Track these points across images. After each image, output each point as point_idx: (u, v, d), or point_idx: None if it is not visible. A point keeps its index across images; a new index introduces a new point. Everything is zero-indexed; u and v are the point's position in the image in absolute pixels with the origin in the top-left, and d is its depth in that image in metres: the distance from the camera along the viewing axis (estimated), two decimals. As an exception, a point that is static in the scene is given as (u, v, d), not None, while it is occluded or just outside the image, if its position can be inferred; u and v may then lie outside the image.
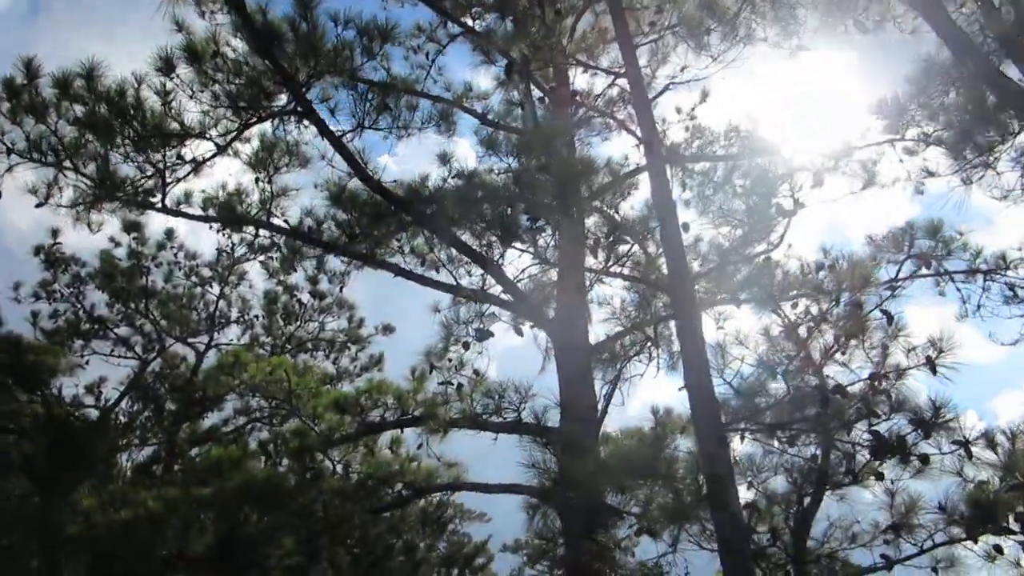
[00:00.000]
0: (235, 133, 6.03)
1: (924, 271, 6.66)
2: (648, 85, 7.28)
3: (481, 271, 6.82)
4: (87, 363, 12.49)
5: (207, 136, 5.94)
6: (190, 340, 13.27)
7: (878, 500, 5.26)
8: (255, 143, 6.49)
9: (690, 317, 4.94)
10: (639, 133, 6.64)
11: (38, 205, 6.21)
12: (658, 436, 6.41)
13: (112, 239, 12.43)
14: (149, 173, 6.00)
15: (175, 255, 12.92)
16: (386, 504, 8.07)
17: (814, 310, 6.08)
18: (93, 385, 12.46)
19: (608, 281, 7.28)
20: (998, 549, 4.76)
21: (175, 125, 5.80)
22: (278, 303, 13.52)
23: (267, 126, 6.32)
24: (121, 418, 12.57)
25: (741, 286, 6.60)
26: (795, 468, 5.66)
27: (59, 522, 8.97)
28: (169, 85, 5.64)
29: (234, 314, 13.59)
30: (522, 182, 5.87)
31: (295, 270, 12.01)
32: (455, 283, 6.95)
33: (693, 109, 8.30)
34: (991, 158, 4.93)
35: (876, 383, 5.29)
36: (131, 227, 12.09)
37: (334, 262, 11.72)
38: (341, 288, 12.93)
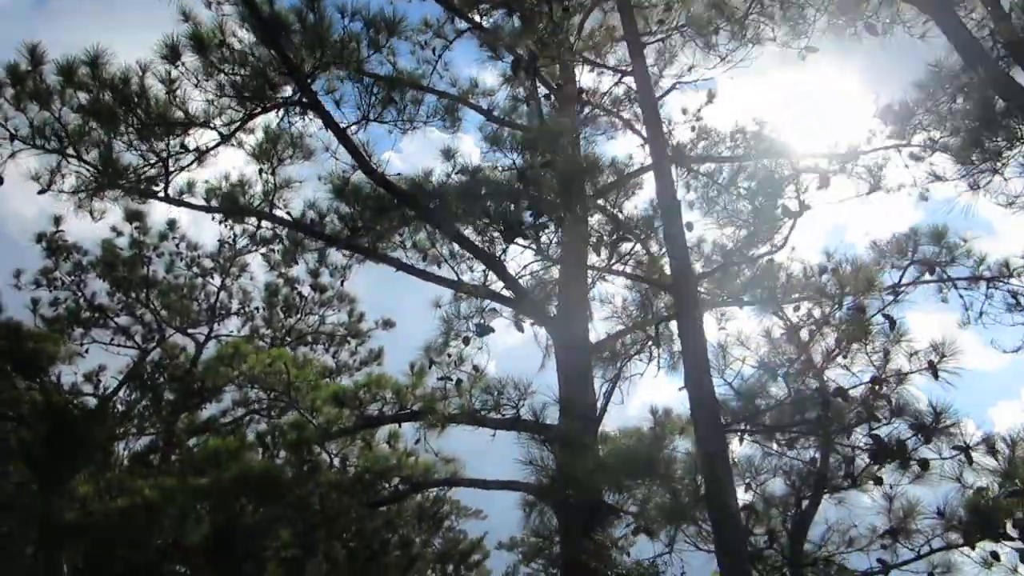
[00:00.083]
0: (239, 123, 6.01)
1: (928, 277, 6.64)
2: (655, 84, 7.25)
3: (483, 267, 6.80)
4: (87, 351, 12.51)
5: (211, 125, 5.93)
6: (190, 331, 13.27)
7: (876, 504, 5.25)
8: (259, 134, 6.49)
9: (692, 317, 4.92)
10: (644, 133, 6.63)
11: (41, 192, 6.20)
12: (656, 436, 6.40)
13: (114, 228, 12.44)
14: (152, 161, 5.98)
15: (177, 245, 12.92)
16: (383, 498, 8.07)
17: (816, 313, 6.06)
18: (92, 374, 12.48)
19: (610, 279, 7.27)
20: (995, 556, 4.75)
21: (179, 114, 5.78)
22: (279, 295, 13.51)
23: (271, 117, 6.32)
24: (119, 407, 12.57)
25: (744, 287, 6.59)
26: (794, 471, 5.66)
27: (56, 509, 8.97)
28: (174, 73, 5.63)
29: (235, 306, 13.60)
30: (526, 179, 5.85)
31: (296, 263, 11.99)
32: (457, 279, 6.94)
33: (699, 110, 8.29)
34: (999, 163, 4.92)
35: (877, 387, 5.28)
36: (133, 216, 12.10)
37: (336, 255, 11.70)
38: (342, 282, 12.94)
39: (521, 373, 6.31)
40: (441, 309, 7.51)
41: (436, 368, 7.26)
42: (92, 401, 12.28)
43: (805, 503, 5.56)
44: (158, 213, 12.73)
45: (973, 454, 4.74)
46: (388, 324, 13.71)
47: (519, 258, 6.75)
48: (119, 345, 12.99)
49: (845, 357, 5.57)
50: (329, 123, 5.97)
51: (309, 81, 5.77)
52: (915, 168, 6.99)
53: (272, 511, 7.73)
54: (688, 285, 5.07)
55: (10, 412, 10.85)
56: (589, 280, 7.28)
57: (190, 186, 6.67)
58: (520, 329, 7.09)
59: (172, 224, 12.70)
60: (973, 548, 4.67)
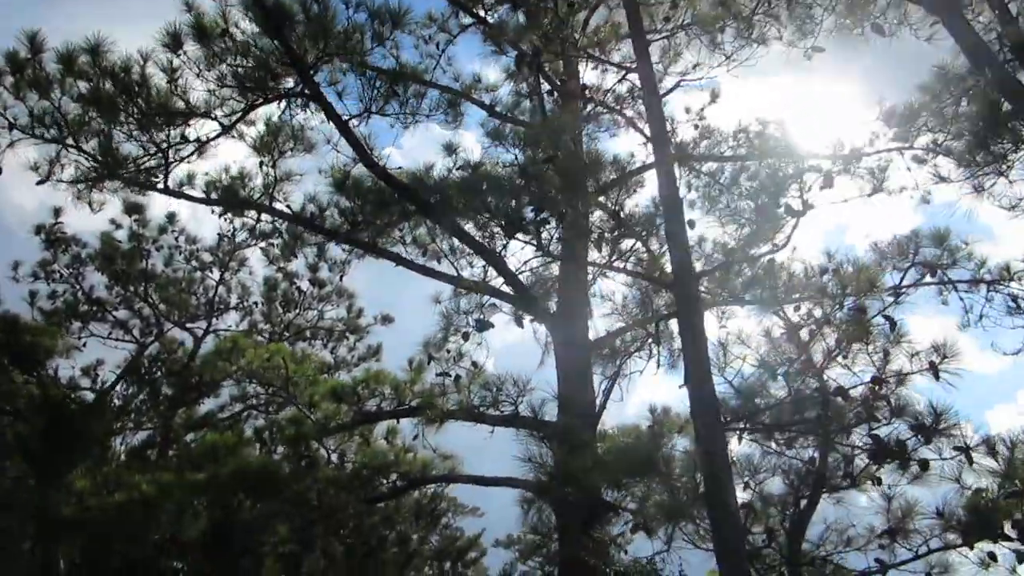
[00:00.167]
0: (240, 114, 5.99)
1: (928, 279, 6.63)
2: (659, 82, 7.23)
3: (483, 263, 6.79)
4: (84, 345, 12.45)
5: (212, 116, 5.90)
6: (188, 325, 13.23)
7: (874, 504, 5.26)
8: (260, 127, 6.46)
9: (693, 314, 4.91)
10: (647, 131, 6.60)
11: (40, 182, 6.16)
12: (655, 434, 6.39)
13: (113, 221, 12.38)
14: (152, 152, 5.95)
15: (176, 239, 12.86)
16: (381, 494, 8.05)
17: (817, 313, 6.06)
18: (90, 368, 12.42)
19: (611, 276, 7.25)
20: (992, 556, 4.75)
21: (180, 104, 5.75)
22: (278, 290, 13.47)
23: (273, 109, 6.30)
24: (117, 401, 12.53)
25: (745, 287, 6.57)
26: (792, 470, 5.65)
27: (54, 504, 8.94)
28: (176, 62, 5.60)
29: (233, 300, 13.54)
30: (528, 174, 5.83)
31: (296, 257, 11.99)
32: (457, 274, 6.92)
33: (703, 109, 8.27)
34: (1004, 166, 4.91)
35: (877, 387, 5.27)
36: (132, 209, 12.06)
37: (335, 250, 11.69)
38: (341, 277, 12.90)
39: (520, 370, 6.29)
40: (441, 305, 7.50)
41: (435, 364, 7.24)
42: (90, 395, 12.23)
43: (803, 502, 5.56)
44: (157, 207, 12.71)
45: (972, 455, 4.73)
46: (387, 320, 13.69)
47: (519, 254, 6.74)
48: (117, 339, 12.95)
49: (845, 357, 5.57)
50: (331, 115, 5.95)
51: (312, 72, 5.75)
52: (917, 171, 6.99)
53: (270, 507, 7.71)
54: (689, 283, 5.05)
55: (7, 406, 10.80)
56: (589, 277, 7.27)
57: (190, 178, 6.66)
58: (520, 325, 7.08)
59: (171, 217, 12.66)
60: (972, 548, 4.67)
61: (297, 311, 13.50)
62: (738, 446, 5.52)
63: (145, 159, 6.04)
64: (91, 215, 6.54)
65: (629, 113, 7.95)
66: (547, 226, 6.11)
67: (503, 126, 6.92)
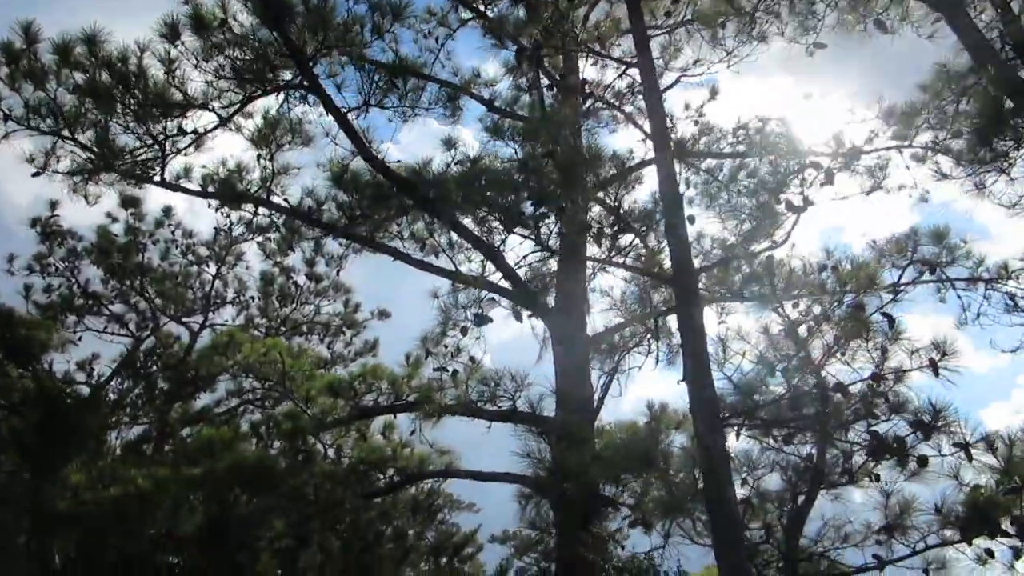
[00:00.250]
0: (238, 106, 5.95)
1: (927, 276, 6.64)
2: (659, 77, 7.20)
3: (481, 258, 6.76)
4: (80, 339, 12.41)
5: (210, 108, 5.85)
6: (185, 319, 13.19)
7: (872, 500, 5.27)
8: (258, 119, 6.42)
9: (692, 310, 4.90)
10: (647, 126, 6.58)
11: (35, 174, 6.12)
12: (652, 430, 6.38)
13: (109, 214, 12.33)
14: (149, 144, 5.90)
15: (172, 233, 12.81)
16: (378, 489, 8.03)
17: (816, 310, 6.06)
18: (85, 362, 12.37)
19: (610, 271, 7.24)
20: (989, 553, 4.76)
21: (178, 95, 5.71)
22: (274, 285, 13.43)
23: (271, 102, 6.25)
24: (112, 396, 12.48)
25: (744, 283, 6.57)
26: (790, 466, 5.66)
27: (49, 498, 8.90)
28: (173, 53, 5.55)
29: (230, 294, 13.50)
30: (527, 169, 5.80)
31: (293, 251, 11.96)
32: (455, 269, 6.90)
33: (702, 106, 8.26)
34: (1006, 163, 4.91)
35: (875, 384, 5.27)
36: (129, 202, 11.99)
37: (332, 245, 11.65)
38: (338, 271, 12.85)
39: (518, 365, 6.29)
40: (439, 299, 7.47)
41: (432, 359, 7.22)
42: (85, 389, 12.18)
43: (801, 498, 5.55)
44: (154, 201, 12.66)
45: (971, 452, 4.74)
46: (384, 314, 13.67)
47: (518, 249, 6.73)
48: (113, 333, 12.90)
49: (844, 354, 5.57)
50: (330, 107, 5.91)
51: (311, 64, 5.71)
52: (916, 169, 7.00)
53: (266, 501, 7.69)
54: (689, 278, 5.04)
55: (2, 400, 10.74)
56: (588, 272, 7.25)
57: (187, 171, 6.60)
58: (519, 319, 7.05)
59: (168, 211, 12.62)
60: (970, 544, 4.68)
61: (294, 306, 13.46)
62: (736, 442, 5.52)
63: (142, 151, 5.99)
64: (87, 208, 6.51)
65: (628, 109, 7.94)
66: (546, 221, 6.09)
67: (502, 121, 6.89)
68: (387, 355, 13.92)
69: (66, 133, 5.81)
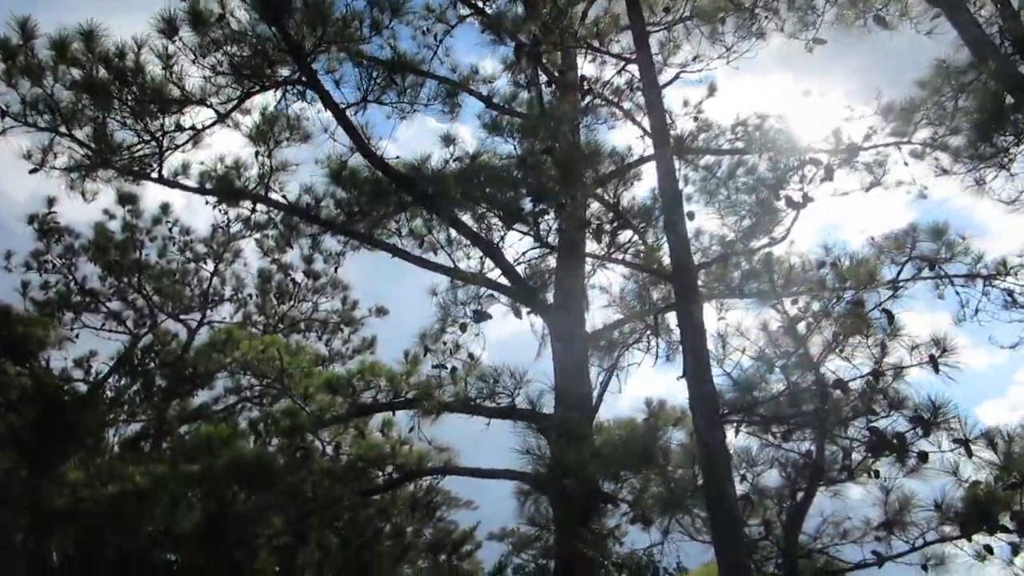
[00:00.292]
0: (236, 101, 5.92)
1: (926, 273, 6.64)
2: (658, 73, 7.19)
3: (480, 254, 6.75)
4: (77, 336, 12.39)
5: (208, 104, 5.83)
6: (182, 316, 13.17)
7: (871, 497, 5.28)
8: (256, 115, 6.41)
9: (691, 307, 4.89)
10: (646, 123, 6.57)
11: (32, 170, 6.09)
12: (651, 427, 6.38)
13: (107, 211, 12.31)
14: (146, 139, 5.88)
15: (170, 230, 12.79)
16: (376, 487, 8.03)
17: (815, 306, 6.06)
18: (83, 359, 12.35)
19: (609, 267, 7.23)
20: (988, 549, 4.77)
21: (175, 91, 5.68)
22: (272, 282, 13.42)
23: (269, 98, 6.23)
24: (110, 393, 12.46)
25: (743, 279, 6.57)
26: (790, 463, 5.66)
27: (46, 495, 8.88)
28: (171, 49, 5.52)
29: (228, 292, 13.48)
30: (526, 165, 5.79)
31: (291, 248, 11.94)
32: (453, 266, 6.88)
33: (701, 102, 8.27)
34: (1006, 159, 4.90)
35: (874, 380, 5.28)
36: (126, 199, 11.97)
37: (330, 242, 11.63)
38: (336, 269, 12.84)
39: (517, 362, 6.28)
40: (437, 296, 7.44)
41: (431, 356, 7.21)
42: (83, 387, 12.16)
43: (800, 495, 5.56)
44: (151, 198, 12.63)
45: (971, 447, 4.75)
46: (382, 312, 13.66)
47: (517, 245, 6.72)
48: (110, 330, 12.89)
49: (843, 351, 5.58)
50: (328, 103, 5.89)
51: (309, 60, 5.68)
52: (915, 166, 7.00)
53: (264, 499, 7.68)
54: (688, 274, 5.03)
55: (-1, 397, 10.71)
56: (587, 269, 7.24)
57: (184, 168, 6.59)
58: (518, 316, 7.05)
59: (165, 208, 12.59)
60: (969, 540, 4.69)
61: (292, 303, 13.45)
62: (736, 438, 5.53)
63: (139, 147, 5.97)
64: (84, 205, 6.48)
65: (627, 105, 7.93)
66: (545, 217, 6.08)
67: (501, 117, 6.87)
68: (385, 352, 13.93)
69: (63, 129, 5.79)
